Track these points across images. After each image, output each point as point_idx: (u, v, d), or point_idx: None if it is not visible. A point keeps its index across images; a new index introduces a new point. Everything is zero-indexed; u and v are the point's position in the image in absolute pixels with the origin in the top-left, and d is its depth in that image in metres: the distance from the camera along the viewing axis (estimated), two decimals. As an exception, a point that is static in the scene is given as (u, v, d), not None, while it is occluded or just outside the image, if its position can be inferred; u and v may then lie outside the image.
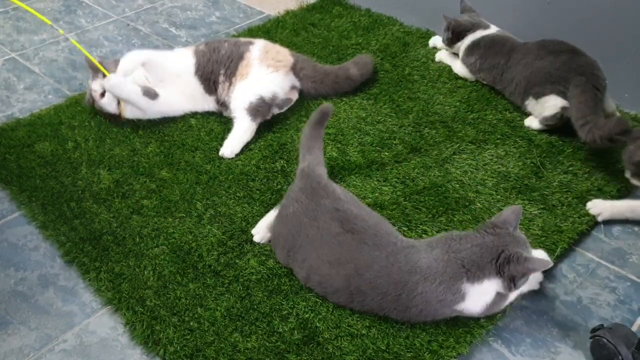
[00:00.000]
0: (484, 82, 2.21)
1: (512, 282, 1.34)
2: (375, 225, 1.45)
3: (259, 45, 2.13)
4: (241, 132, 1.97)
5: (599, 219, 1.71)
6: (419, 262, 1.37)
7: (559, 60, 1.95)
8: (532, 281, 1.51)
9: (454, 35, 2.26)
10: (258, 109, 2.00)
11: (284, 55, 2.14)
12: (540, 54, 2.00)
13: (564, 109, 1.91)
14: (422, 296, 1.35)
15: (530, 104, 2.01)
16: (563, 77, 1.92)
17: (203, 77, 2.09)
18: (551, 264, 1.35)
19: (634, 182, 1.71)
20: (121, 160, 1.93)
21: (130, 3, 3.01)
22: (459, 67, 2.28)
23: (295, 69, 2.13)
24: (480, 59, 2.17)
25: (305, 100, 2.17)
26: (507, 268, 1.33)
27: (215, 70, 2.08)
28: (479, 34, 2.22)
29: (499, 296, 1.39)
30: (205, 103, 2.13)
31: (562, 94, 1.92)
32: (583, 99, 1.85)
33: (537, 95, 1.97)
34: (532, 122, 2.01)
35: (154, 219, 1.72)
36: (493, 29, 2.23)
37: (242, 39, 2.20)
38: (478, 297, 1.37)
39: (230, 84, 2.07)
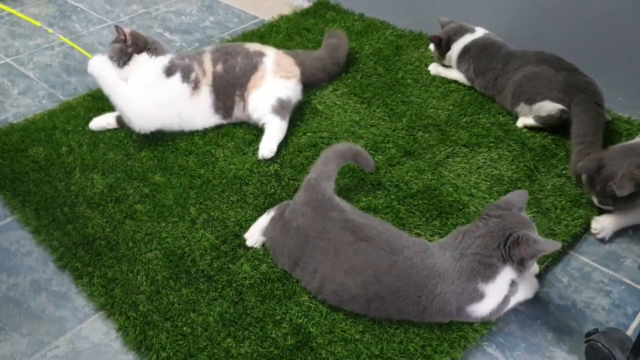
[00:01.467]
0: (478, 89, 2.21)
1: (521, 265, 1.35)
2: (386, 230, 1.46)
3: (271, 59, 2.10)
4: (275, 131, 1.98)
5: (601, 236, 1.69)
6: (436, 266, 1.38)
7: (560, 75, 1.96)
8: (528, 289, 1.51)
9: (445, 46, 2.26)
10: (281, 107, 2.01)
11: (292, 67, 2.15)
12: (540, 65, 2.00)
13: (562, 111, 1.91)
14: (442, 297, 1.36)
15: (524, 109, 2.01)
16: (561, 88, 1.92)
17: (222, 108, 2.05)
18: (559, 246, 1.34)
19: (606, 207, 1.70)
20: (115, 164, 1.93)
21: (124, 8, 3.01)
22: (456, 74, 2.27)
23: (302, 76, 2.17)
24: (474, 63, 2.18)
25: (298, 106, 2.16)
26: (517, 251, 1.34)
27: (230, 95, 2.04)
28: (467, 38, 2.22)
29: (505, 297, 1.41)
30: (212, 121, 2.08)
31: (558, 100, 1.92)
32: (585, 117, 1.87)
33: (531, 102, 1.98)
34: (527, 120, 2.00)
35: (147, 223, 1.71)
36: (480, 32, 2.23)
37: (251, 49, 2.12)
38: (494, 296, 1.38)
39: (244, 102, 2.05)
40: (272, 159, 1.93)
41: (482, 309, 1.39)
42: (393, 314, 1.41)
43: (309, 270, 1.48)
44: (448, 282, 1.36)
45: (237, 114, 2.07)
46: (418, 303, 1.37)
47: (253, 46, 2.15)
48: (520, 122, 2.02)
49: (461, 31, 2.24)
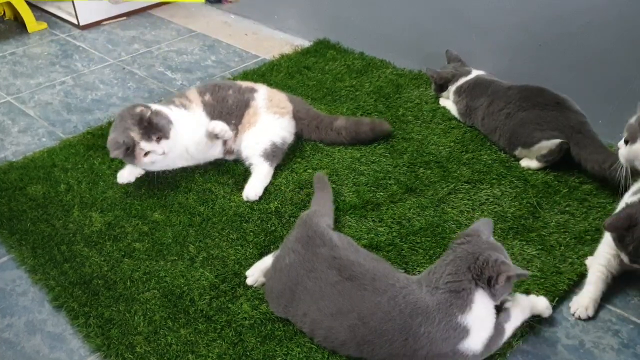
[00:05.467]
0: (473, 126, 2.22)
1: (491, 286, 1.33)
2: (373, 268, 1.42)
3: (263, 94, 2.13)
4: (262, 176, 1.97)
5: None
6: (418, 303, 1.34)
7: (549, 115, 1.96)
8: (521, 312, 1.46)
9: (438, 87, 2.34)
10: (273, 154, 2.02)
11: (284, 102, 2.16)
12: (523, 105, 2.01)
13: (561, 143, 1.91)
14: (427, 337, 1.31)
15: (523, 152, 2.02)
16: (554, 127, 1.93)
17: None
18: (527, 274, 1.38)
19: (635, 266, 1.55)
20: (114, 202, 1.91)
21: (126, 47, 3.05)
22: (454, 111, 2.29)
23: (294, 114, 2.16)
24: (466, 99, 2.21)
25: (299, 142, 2.16)
26: (485, 271, 1.32)
27: (226, 121, 2.05)
28: (460, 81, 2.27)
29: (497, 329, 1.37)
30: (216, 151, 2.10)
31: (553, 137, 1.92)
32: (590, 152, 1.87)
33: (527, 145, 1.98)
34: (530, 163, 2.00)
35: (145, 262, 1.68)
36: (474, 74, 2.27)
37: (243, 85, 2.17)
38: (481, 327, 1.34)
39: (237, 132, 2.07)
40: (273, 196, 1.92)
41: (474, 344, 1.34)
42: (386, 359, 1.36)
43: (299, 314, 1.44)
44: (430, 320, 1.31)
45: (229, 142, 2.07)
46: (405, 346, 1.32)
47: (244, 83, 2.18)
48: (524, 163, 2.02)
49: (455, 77, 2.29)
